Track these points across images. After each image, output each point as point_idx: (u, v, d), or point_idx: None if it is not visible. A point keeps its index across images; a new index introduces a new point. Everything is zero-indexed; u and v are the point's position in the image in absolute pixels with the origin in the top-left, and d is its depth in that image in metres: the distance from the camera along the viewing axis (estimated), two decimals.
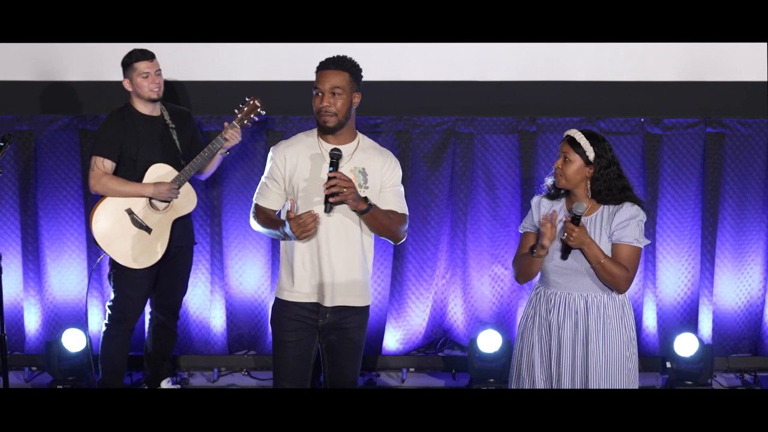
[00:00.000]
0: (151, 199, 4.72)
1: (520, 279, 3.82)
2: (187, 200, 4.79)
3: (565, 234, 3.61)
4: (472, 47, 5.23)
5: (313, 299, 3.75)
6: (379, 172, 3.76)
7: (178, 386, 5.17)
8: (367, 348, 5.53)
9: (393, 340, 5.50)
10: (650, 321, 5.45)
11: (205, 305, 5.50)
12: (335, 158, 3.61)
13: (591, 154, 3.67)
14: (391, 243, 3.91)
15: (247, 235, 5.39)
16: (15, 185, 5.42)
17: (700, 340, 5.19)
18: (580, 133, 3.71)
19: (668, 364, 5.16)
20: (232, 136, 4.71)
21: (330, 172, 3.60)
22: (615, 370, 3.67)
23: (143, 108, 4.77)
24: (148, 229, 4.72)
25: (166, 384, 5.02)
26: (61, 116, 5.37)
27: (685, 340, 5.16)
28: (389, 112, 5.38)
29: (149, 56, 4.71)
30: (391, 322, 5.48)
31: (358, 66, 3.81)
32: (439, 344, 5.64)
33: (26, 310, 5.46)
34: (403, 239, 3.86)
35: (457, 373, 5.37)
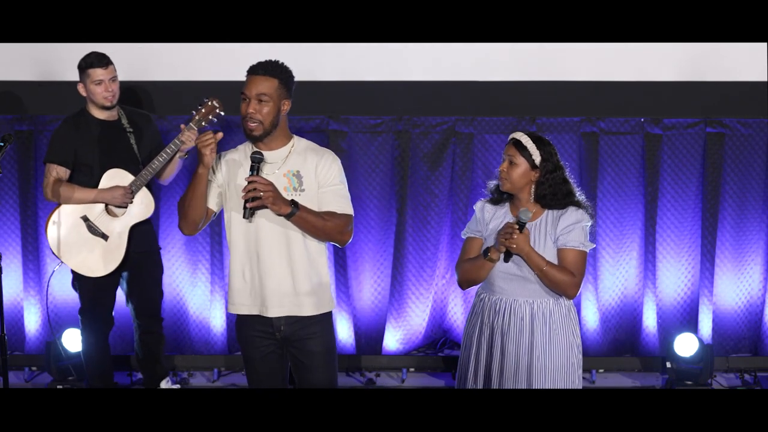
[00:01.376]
0: (107, 205, 4.64)
1: (466, 285, 3.76)
2: (144, 205, 4.69)
3: (506, 242, 3.55)
4: (472, 47, 5.23)
5: (255, 311, 3.56)
6: (314, 173, 3.54)
7: (178, 386, 5.17)
8: (367, 348, 5.55)
9: (393, 340, 5.50)
10: (650, 321, 5.45)
11: (205, 305, 5.50)
12: (256, 162, 3.45)
13: (537, 157, 3.62)
14: (338, 246, 3.70)
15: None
16: (15, 185, 5.42)
17: (700, 340, 5.19)
18: (525, 135, 3.66)
19: (668, 364, 5.16)
20: (189, 138, 4.54)
21: (248, 176, 3.43)
22: (560, 376, 3.63)
23: (99, 113, 4.69)
24: (105, 236, 4.63)
25: (165, 384, 5.00)
26: (61, 116, 5.35)
27: (685, 340, 5.15)
28: (389, 112, 5.38)
29: (104, 63, 4.60)
30: (391, 322, 5.48)
31: (289, 72, 3.57)
32: (439, 344, 5.64)
33: (26, 310, 5.46)
34: (348, 241, 3.63)
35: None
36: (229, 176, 3.57)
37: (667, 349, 5.25)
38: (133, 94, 5.31)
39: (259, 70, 3.54)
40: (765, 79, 5.27)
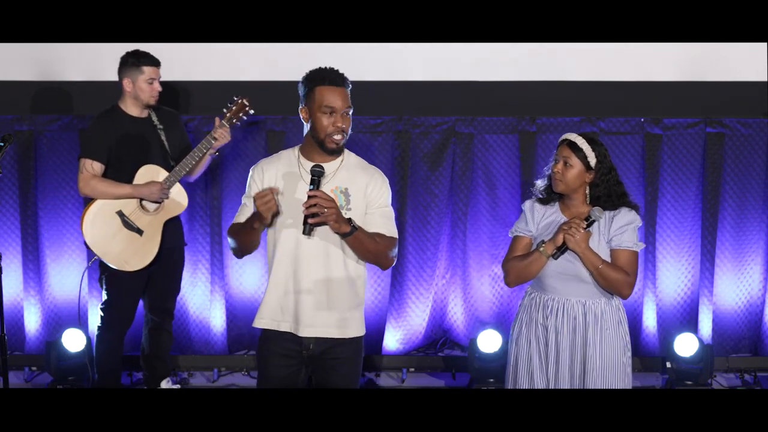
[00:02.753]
0: (141, 200, 4.71)
1: (514, 281, 3.75)
2: (178, 201, 4.76)
3: (565, 234, 3.56)
4: (472, 47, 5.23)
5: (287, 328, 3.45)
6: (363, 192, 3.41)
7: (178, 386, 5.17)
8: (367, 348, 5.53)
9: (393, 340, 5.50)
10: (650, 321, 5.45)
11: (205, 305, 5.50)
12: (317, 176, 3.28)
13: (593, 159, 3.64)
14: (381, 269, 3.58)
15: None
16: (15, 185, 5.42)
17: (700, 340, 5.19)
18: (580, 137, 3.67)
19: (668, 364, 5.17)
20: (222, 135, 4.69)
21: (310, 190, 3.26)
22: (612, 375, 3.66)
23: (133, 110, 4.75)
24: (140, 231, 4.70)
25: (165, 384, 5.01)
26: (61, 116, 5.37)
27: (685, 340, 5.16)
28: (389, 112, 5.38)
29: (157, 63, 4.72)
30: (391, 322, 5.48)
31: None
32: (439, 344, 5.64)
33: (26, 310, 5.46)
34: (392, 264, 3.52)
35: (457, 373, 5.37)
36: (282, 188, 3.40)
37: (667, 349, 5.25)
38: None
39: (340, 81, 3.38)
40: (765, 79, 5.27)
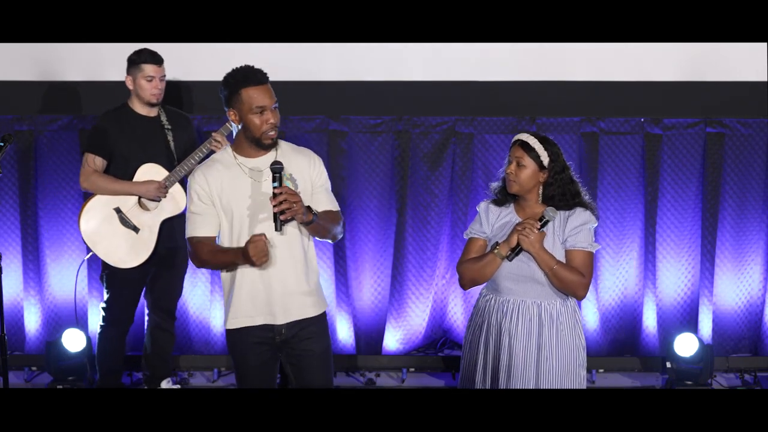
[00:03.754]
0: (140, 198, 4.72)
1: (469, 284, 3.73)
2: (176, 201, 4.76)
3: (519, 234, 3.54)
4: (472, 47, 5.23)
5: (265, 321, 3.54)
6: (307, 173, 3.54)
7: (178, 386, 5.17)
8: (367, 348, 5.55)
9: (393, 340, 5.50)
10: (650, 321, 5.45)
11: (205, 305, 5.50)
12: (277, 172, 3.36)
13: (545, 158, 3.62)
14: (330, 243, 3.70)
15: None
16: (15, 185, 5.42)
17: (700, 340, 5.19)
18: (533, 137, 3.65)
19: (668, 364, 5.16)
20: (222, 136, 4.68)
21: (275, 188, 3.35)
22: (566, 377, 3.63)
23: (140, 108, 4.77)
24: (136, 229, 4.71)
25: (166, 384, 5.02)
26: (61, 116, 5.37)
27: (685, 340, 5.15)
28: (389, 112, 5.38)
29: (158, 60, 4.72)
30: (391, 322, 5.48)
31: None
32: (439, 344, 5.64)
33: (26, 310, 5.46)
34: (341, 237, 3.68)
35: (457, 373, 5.36)
36: (220, 190, 3.48)
37: (667, 349, 5.25)
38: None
39: (263, 78, 3.48)
40: (765, 79, 5.27)
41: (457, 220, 5.45)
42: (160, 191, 4.68)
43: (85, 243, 4.79)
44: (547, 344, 3.62)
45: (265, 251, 3.38)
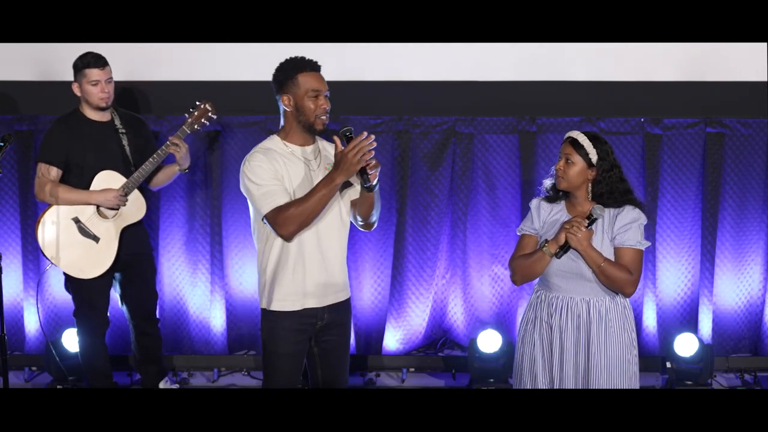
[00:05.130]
0: (98, 207, 4.64)
1: (520, 280, 3.78)
2: (136, 207, 4.70)
3: (567, 232, 3.57)
4: (472, 47, 5.23)
5: (312, 304, 3.61)
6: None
7: (177, 386, 5.17)
8: (367, 348, 5.55)
9: (393, 340, 5.50)
10: (650, 321, 5.45)
11: (205, 305, 5.50)
12: (349, 132, 3.49)
13: (594, 156, 3.65)
14: (366, 231, 3.76)
15: (247, 235, 5.39)
16: (15, 185, 5.42)
17: (700, 340, 5.19)
18: (582, 134, 3.69)
19: (668, 364, 5.16)
20: (180, 140, 4.64)
21: (351, 146, 3.42)
22: (616, 373, 3.66)
23: (92, 114, 4.69)
24: (96, 238, 4.64)
25: (164, 383, 5.01)
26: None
27: (685, 340, 5.16)
28: (389, 112, 5.38)
29: (101, 63, 4.61)
30: (391, 322, 5.48)
31: None
32: (439, 344, 5.64)
33: (26, 310, 5.46)
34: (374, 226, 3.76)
35: (457, 373, 5.37)
36: (288, 175, 3.56)
37: (667, 349, 5.25)
38: (130, 94, 5.32)
39: (318, 66, 3.63)
40: (765, 79, 5.27)
41: (457, 220, 5.45)
42: (119, 199, 4.58)
43: (44, 255, 4.69)
44: (595, 341, 3.64)
45: (363, 147, 3.41)
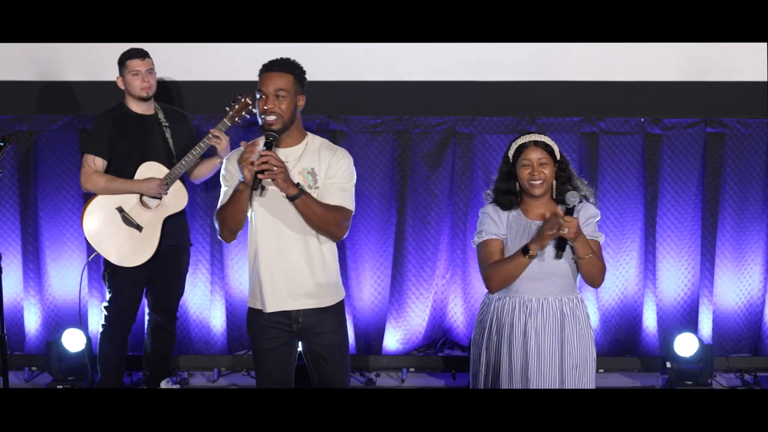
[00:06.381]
0: (142, 197, 4.73)
1: (497, 286, 3.66)
2: (177, 198, 4.79)
3: (558, 229, 3.48)
4: (472, 47, 5.23)
5: (280, 307, 3.62)
6: (326, 169, 3.61)
7: (178, 386, 5.17)
8: (367, 348, 5.55)
9: (393, 340, 5.50)
10: (650, 321, 5.45)
11: (205, 305, 5.50)
12: (270, 138, 3.49)
13: (557, 151, 3.67)
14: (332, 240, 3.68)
15: (248, 235, 5.38)
16: (15, 185, 5.42)
17: (700, 340, 5.19)
18: (539, 135, 3.66)
19: (668, 364, 5.16)
20: (221, 132, 4.70)
21: (263, 151, 3.45)
22: (586, 370, 3.66)
23: (136, 107, 4.79)
24: (139, 227, 4.73)
25: (165, 384, 5.02)
26: (61, 116, 5.37)
27: (685, 340, 5.15)
28: (389, 112, 5.38)
29: (142, 54, 4.73)
30: (391, 322, 5.48)
31: (301, 68, 3.65)
32: (439, 344, 5.64)
33: (26, 310, 5.46)
34: (342, 237, 3.66)
35: (457, 373, 5.37)
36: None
37: (667, 349, 5.25)
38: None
39: (274, 67, 3.59)
40: (765, 79, 5.27)
41: (457, 220, 5.45)
42: (161, 188, 4.69)
43: (88, 243, 4.80)
44: (569, 339, 3.64)
45: (244, 155, 3.45)
